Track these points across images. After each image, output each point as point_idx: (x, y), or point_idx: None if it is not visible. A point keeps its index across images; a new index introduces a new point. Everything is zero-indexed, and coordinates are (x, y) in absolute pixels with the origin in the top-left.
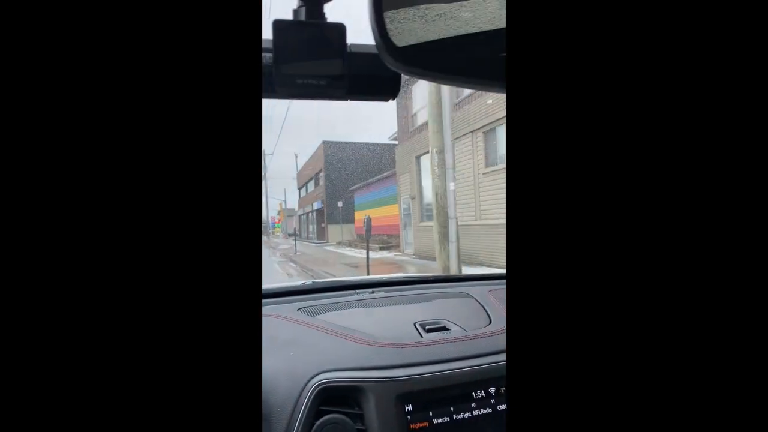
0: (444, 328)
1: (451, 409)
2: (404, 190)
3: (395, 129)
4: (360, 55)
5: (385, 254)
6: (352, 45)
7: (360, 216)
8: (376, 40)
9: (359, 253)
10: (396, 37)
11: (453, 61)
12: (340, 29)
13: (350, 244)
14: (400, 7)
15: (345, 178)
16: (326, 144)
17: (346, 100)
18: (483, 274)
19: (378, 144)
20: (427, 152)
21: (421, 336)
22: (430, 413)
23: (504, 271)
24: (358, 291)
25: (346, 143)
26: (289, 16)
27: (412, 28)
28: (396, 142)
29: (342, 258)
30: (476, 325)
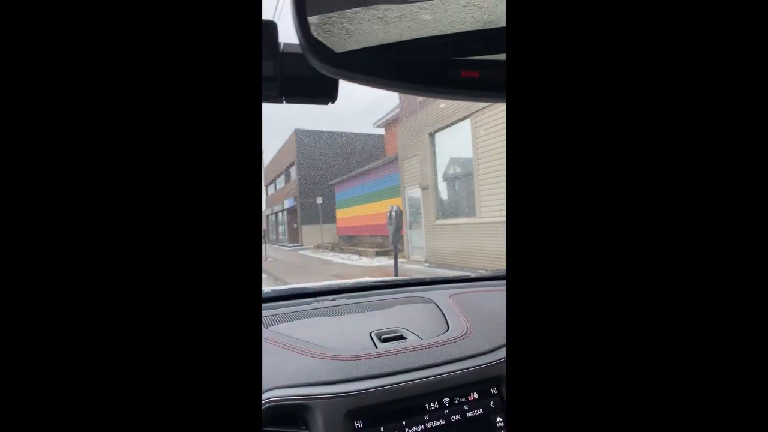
0: (400, 337)
1: (404, 423)
2: (409, 179)
3: (380, 116)
4: (294, 55)
5: (383, 261)
6: (285, 44)
7: (342, 215)
8: (301, 43)
9: (348, 260)
10: (332, 40)
11: (398, 65)
12: (271, 27)
13: (333, 248)
14: (324, 11)
15: (322, 171)
16: (299, 133)
17: (282, 102)
18: (448, 278)
19: (361, 134)
20: (449, 126)
21: (376, 346)
22: (381, 429)
23: (470, 273)
24: (319, 298)
25: (323, 132)
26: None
27: (351, 30)
28: (382, 131)
29: (328, 267)
30: (434, 333)
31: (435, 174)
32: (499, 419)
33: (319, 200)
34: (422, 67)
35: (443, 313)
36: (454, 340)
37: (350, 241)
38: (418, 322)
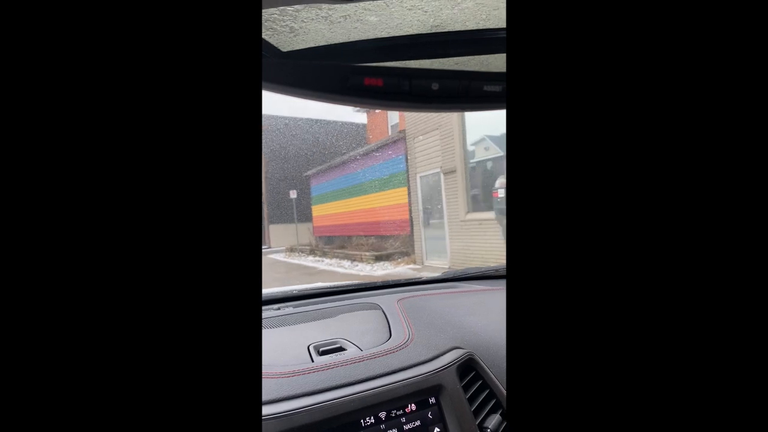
0: (339, 349)
1: None
2: (423, 164)
3: None
4: None
5: (388, 267)
6: None
7: (319, 212)
8: None
9: (337, 267)
10: (277, 38)
11: (296, 71)
12: None
13: (312, 251)
14: None
15: (294, 163)
16: (266, 119)
17: None
18: (399, 281)
19: (338, 122)
20: None
21: (312, 360)
22: None
23: (421, 275)
24: (265, 308)
25: (293, 119)
26: None
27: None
28: (364, 119)
29: (314, 278)
30: (375, 342)
31: (465, 153)
32: (437, 430)
33: (293, 194)
34: (322, 74)
35: (388, 320)
36: (394, 349)
37: (333, 243)
38: (360, 331)
